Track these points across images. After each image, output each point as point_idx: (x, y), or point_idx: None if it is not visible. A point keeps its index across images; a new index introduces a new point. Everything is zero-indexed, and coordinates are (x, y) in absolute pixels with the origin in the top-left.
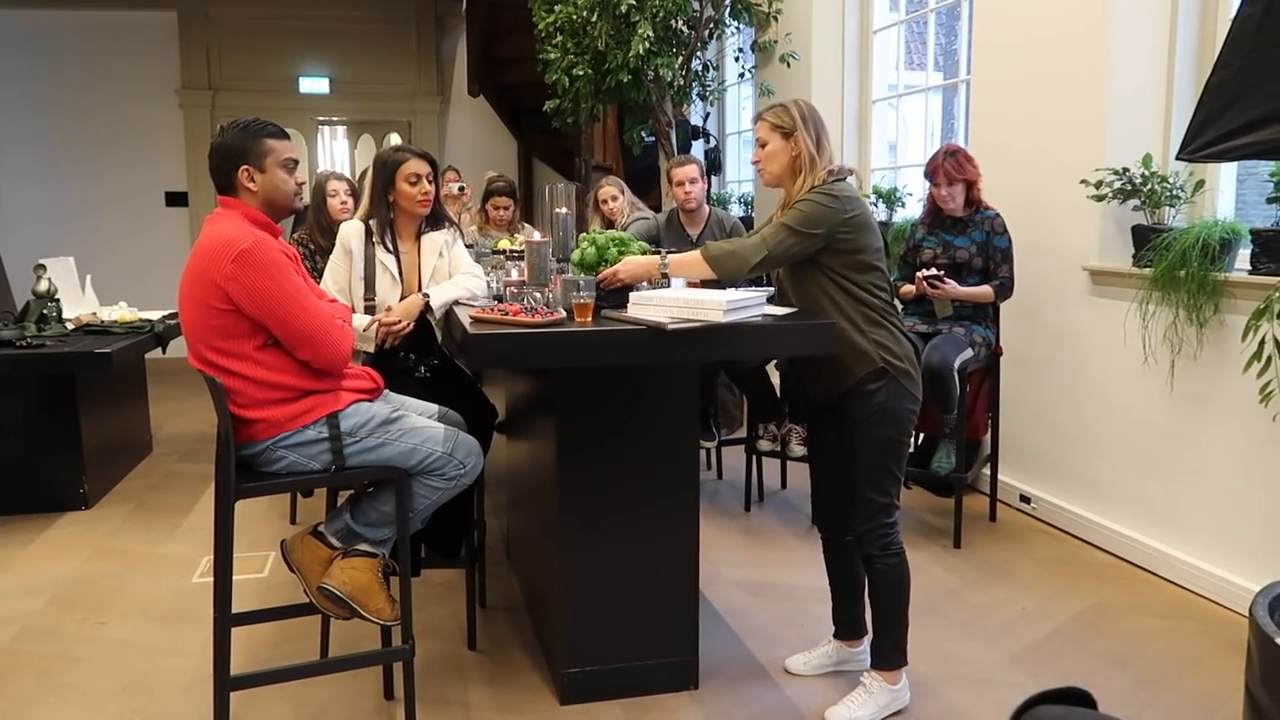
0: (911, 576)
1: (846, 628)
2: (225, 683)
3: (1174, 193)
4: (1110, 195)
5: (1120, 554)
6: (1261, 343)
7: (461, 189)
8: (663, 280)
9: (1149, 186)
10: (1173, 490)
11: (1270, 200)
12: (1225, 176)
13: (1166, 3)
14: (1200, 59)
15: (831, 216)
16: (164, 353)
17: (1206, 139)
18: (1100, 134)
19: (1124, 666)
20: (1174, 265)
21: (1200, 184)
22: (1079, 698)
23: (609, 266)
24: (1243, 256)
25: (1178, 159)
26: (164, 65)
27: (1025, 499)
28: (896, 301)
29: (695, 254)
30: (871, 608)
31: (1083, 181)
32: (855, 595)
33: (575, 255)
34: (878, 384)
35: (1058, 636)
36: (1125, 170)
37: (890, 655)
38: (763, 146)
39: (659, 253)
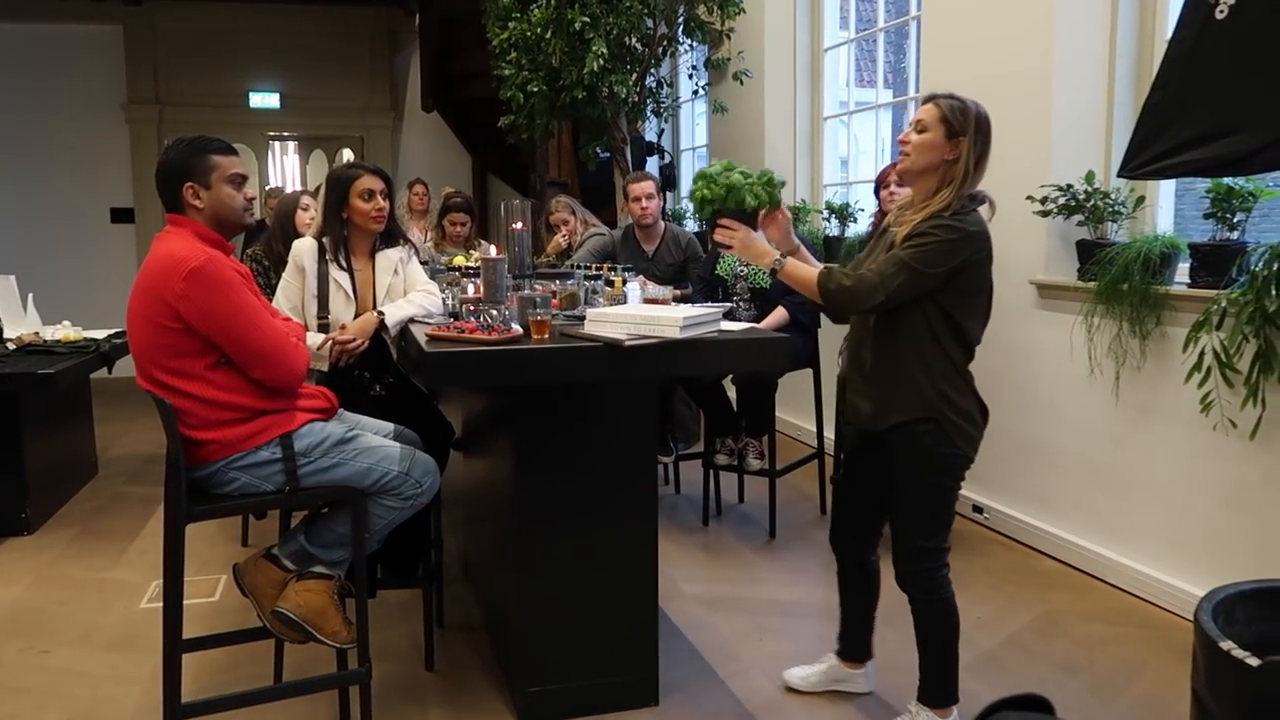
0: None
1: (852, 649)
2: (175, 711)
3: (1116, 208)
4: (1055, 211)
5: (1070, 562)
6: (1201, 354)
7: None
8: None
9: (1092, 202)
10: (1120, 499)
11: (1207, 216)
12: (1164, 192)
13: (1106, 24)
14: (1139, 79)
15: (954, 255)
16: (110, 372)
17: (1145, 157)
18: (1045, 151)
19: (1075, 673)
20: (1117, 279)
21: (1141, 200)
22: (1038, 704)
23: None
24: (1182, 270)
25: (1119, 176)
26: (109, 80)
27: (978, 509)
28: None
29: (812, 273)
30: (918, 645)
31: (1029, 197)
32: (868, 619)
33: (719, 170)
34: (926, 428)
35: (1010, 644)
36: (1069, 186)
37: (938, 693)
38: (920, 132)
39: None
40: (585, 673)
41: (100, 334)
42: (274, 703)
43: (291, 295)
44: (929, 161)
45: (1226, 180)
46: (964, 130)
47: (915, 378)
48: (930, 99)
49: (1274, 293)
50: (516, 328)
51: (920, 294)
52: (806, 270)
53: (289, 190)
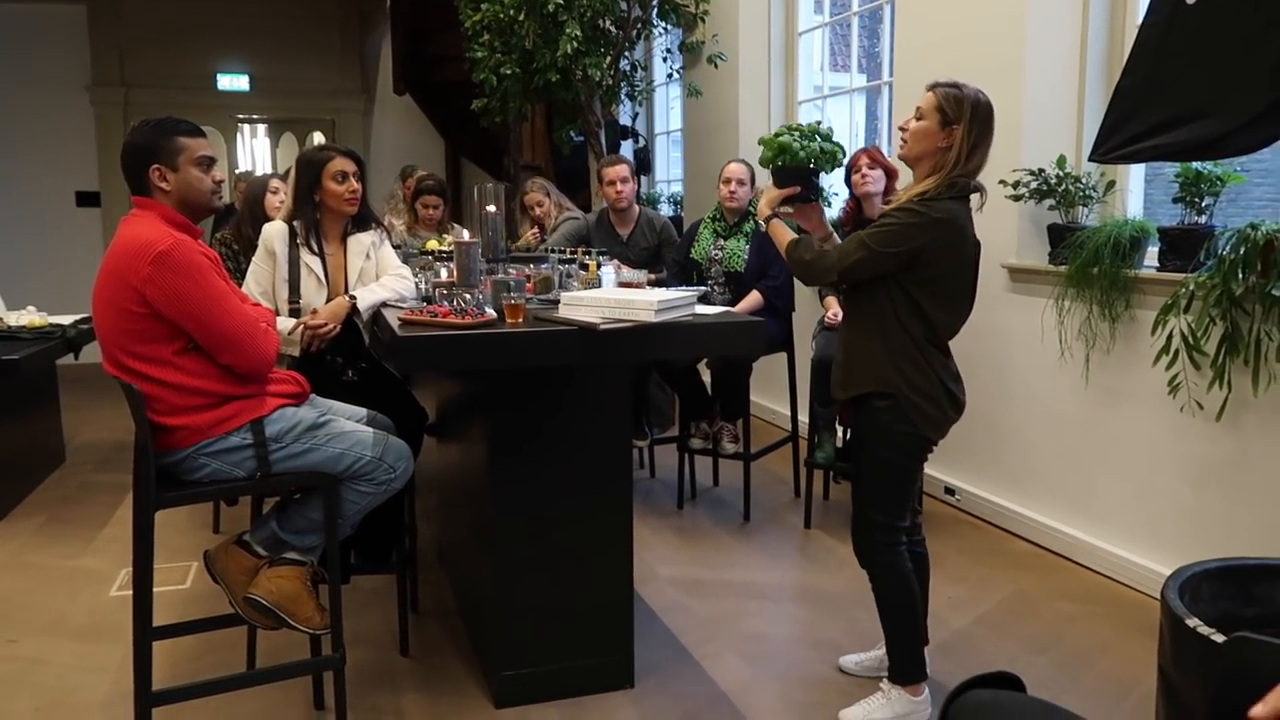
0: (842, 569)
1: None
2: (146, 699)
3: (1087, 193)
4: (1027, 195)
5: (1040, 542)
6: (1169, 337)
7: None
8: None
9: (1063, 187)
10: (1089, 480)
11: (1176, 200)
12: (1134, 177)
13: (1078, 9)
14: (1110, 64)
15: (911, 239)
16: (76, 358)
17: (1116, 141)
18: (1017, 136)
19: (1044, 651)
20: (1088, 263)
21: (1111, 184)
22: (1009, 681)
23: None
24: (1151, 254)
25: (1090, 160)
26: (74, 61)
27: (950, 491)
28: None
29: (786, 239)
30: (882, 624)
31: (1001, 182)
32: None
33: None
34: (884, 403)
35: (981, 624)
36: (1041, 171)
37: (904, 669)
38: (918, 119)
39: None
40: (560, 656)
41: (66, 319)
42: (247, 689)
43: (262, 279)
44: (923, 149)
45: (1195, 165)
46: (958, 119)
47: (876, 352)
48: (932, 86)
49: (1241, 276)
50: (490, 312)
51: (880, 273)
52: (784, 235)
53: (258, 174)
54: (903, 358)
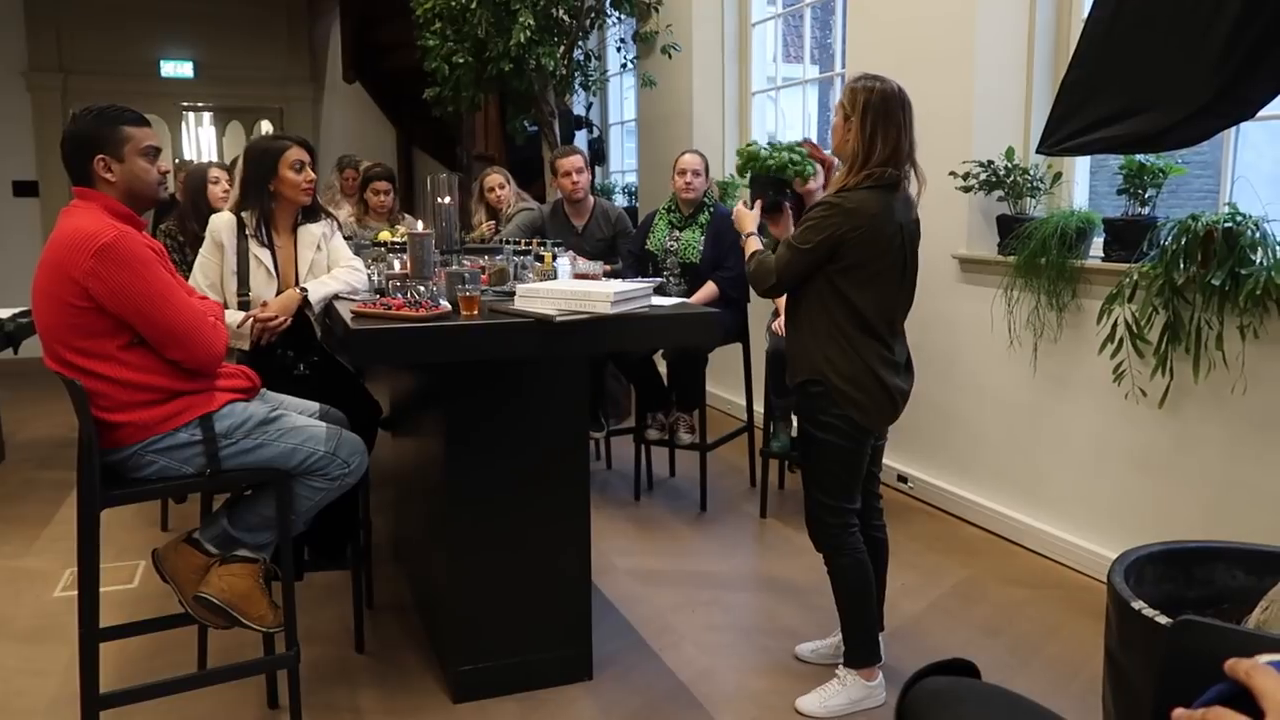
0: (798, 558)
1: None
2: (94, 702)
3: (1034, 184)
4: (976, 186)
5: (991, 528)
6: (1114, 326)
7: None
8: None
9: (1012, 178)
10: (1037, 466)
11: (1120, 191)
12: (1080, 169)
13: (1025, 3)
14: (1057, 57)
15: (825, 230)
16: (15, 353)
17: (1063, 134)
18: (967, 128)
19: (996, 635)
20: (1035, 253)
21: (1058, 176)
22: (964, 668)
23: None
24: (1097, 244)
25: (1037, 152)
26: (8, 45)
27: (903, 479)
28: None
29: (753, 247)
30: (837, 608)
31: (951, 173)
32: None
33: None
34: (817, 389)
35: (934, 609)
36: (990, 162)
37: (857, 653)
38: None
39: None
40: (518, 649)
41: (4, 313)
42: (198, 690)
43: (209, 272)
44: (837, 145)
45: (1139, 157)
46: (853, 112)
47: (807, 342)
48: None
49: (1182, 266)
50: (445, 304)
51: (812, 269)
52: (749, 249)
53: (199, 163)
54: (830, 345)
